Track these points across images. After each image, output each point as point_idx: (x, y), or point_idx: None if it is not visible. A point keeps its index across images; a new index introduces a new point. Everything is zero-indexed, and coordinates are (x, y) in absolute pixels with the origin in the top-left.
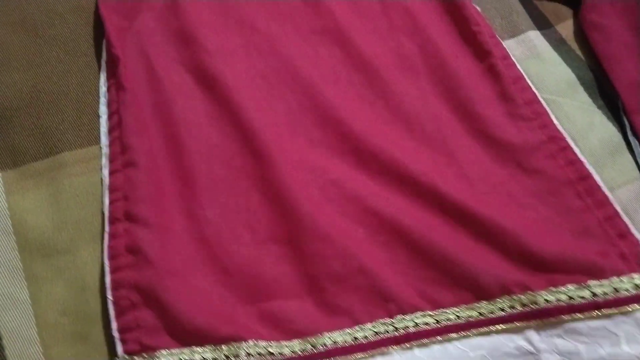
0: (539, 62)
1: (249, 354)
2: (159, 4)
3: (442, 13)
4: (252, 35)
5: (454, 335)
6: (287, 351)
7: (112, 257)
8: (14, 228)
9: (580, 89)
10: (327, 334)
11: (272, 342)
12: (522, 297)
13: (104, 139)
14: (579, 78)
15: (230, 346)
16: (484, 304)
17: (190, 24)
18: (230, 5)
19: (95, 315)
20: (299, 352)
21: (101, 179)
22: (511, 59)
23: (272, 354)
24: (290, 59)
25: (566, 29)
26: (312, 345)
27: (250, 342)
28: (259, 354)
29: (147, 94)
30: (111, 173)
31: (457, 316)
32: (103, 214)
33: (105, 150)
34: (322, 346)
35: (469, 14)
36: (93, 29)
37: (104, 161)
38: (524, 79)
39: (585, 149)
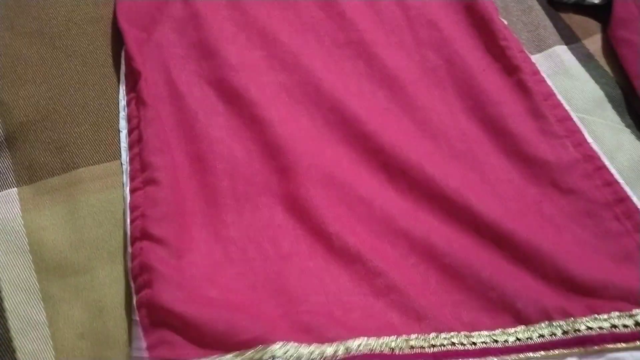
0: (567, 79)
1: (274, 357)
2: (178, 14)
3: (469, 26)
4: (275, 48)
5: (491, 358)
6: (316, 353)
7: (134, 278)
8: (30, 247)
9: (609, 107)
10: (361, 339)
11: (302, 344)
12: (563, 323)
13: (125, 156)
14: (607, 95)
15: (259, 350)
16: (521, 328)
17: (211, 36)
18: (252, 18)
19: (114, 339)
20: (329, 355)
21: (123, 197)
22: (541, 75)
23: (302, 355)
24: (314, 72)
25: (594, 43)
26: (345, 349)
27: (279, 344)
28: (289, 355)
29: (168, 109)
30: (132, 191)
31: (495, 340)
32: (122, 232)
33: (126, 167)
34: (357, 350)
35: (496, 28)
36: (111, 40)
37: (125, 179)
38: (555, 96)
39: (615, 171)
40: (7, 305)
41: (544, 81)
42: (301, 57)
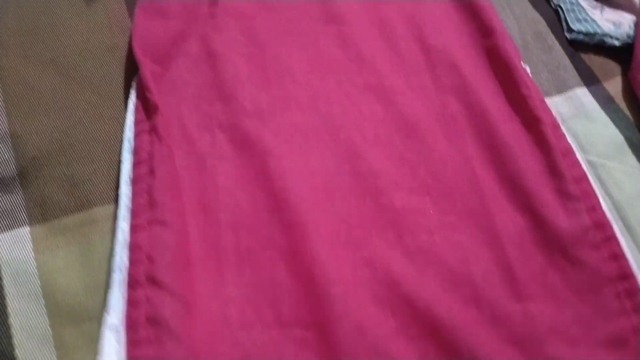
0: (587, 122)
1: None
2: (194, 50)
3: (490, 71)
4: (292, 90)
5: None
6: None
7: (131, 328)
8: (43, 290)
9: (629, 152)
10: None
11: None
12: None
13: (124, 188)
14: (627, 140)
15: None
16: None
17: (226, 77)
18: (270, 57)
19: None
20: None
21: (112, 231)
22: (561, 130)
23: None
24: (331, 116)
25: (615, 86)
26: None
27: None
28: None
29: (179, 151)
30: (133, 228)
31: None
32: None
33: (125, 200)
34: None
35: (518, 76)
36: (126, 71)
37: (123, 212)
38: (574, 153)
39: (634, 220)
40: (18, 353)
41: (564, 136)
42: (319, 99)
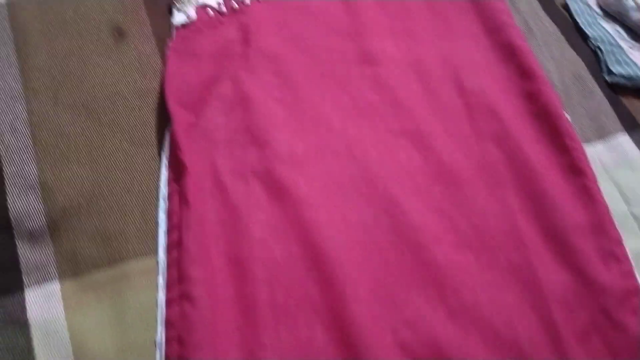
0: (630, 172)
1: None
2: (227, 93)
3: (531, 117)
4: (327, 136)
5: None
6: None
7: None
8: (74, 351)
9: None
10: None
11: None
12: None
13: (162, 255)
14: None
15: None
16: None
17: (260, 121)
18: (305, 101)
19: None
20: None
21: (156, 300)
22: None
23: None
24: (367, 164)
25: None
26: None
27: None
28: None
29: (211, 204)
30: (168, 302)
31: None
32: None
33: (162, 266)
34: None
35: (561, 124)
36: (158, 116)
37: (161, 281)
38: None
39: None
40: None
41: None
42: (354, 146)
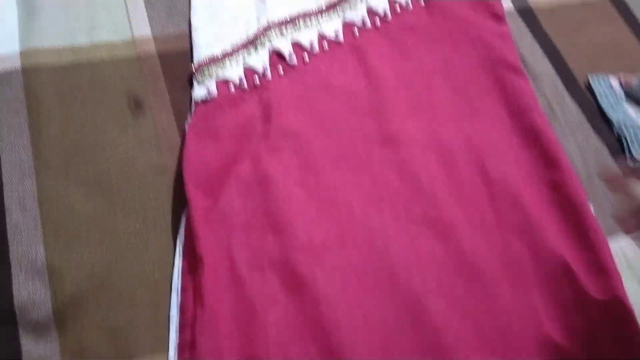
0: None
1: None
2: (247, 173)
3: (557, 210)
4: (348, 223)
5: None
6: None
7: None
8: None
9: None
10: None
11: None
12: None
13: (172, 354)
14: None
15: None
16: None
17: (280, 206)
18: (325, 184)
19: None
20: None
21: None
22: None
23: None
24: (389, 256)
25: None
26: None
27: None
28: None
29: (226, 301)
30: None
31: None
32: None
33: None
34: None
35: (587, 220)
36: (174, 196)
37: None
38: None
39: None
40: None
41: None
42: (375, 235)
